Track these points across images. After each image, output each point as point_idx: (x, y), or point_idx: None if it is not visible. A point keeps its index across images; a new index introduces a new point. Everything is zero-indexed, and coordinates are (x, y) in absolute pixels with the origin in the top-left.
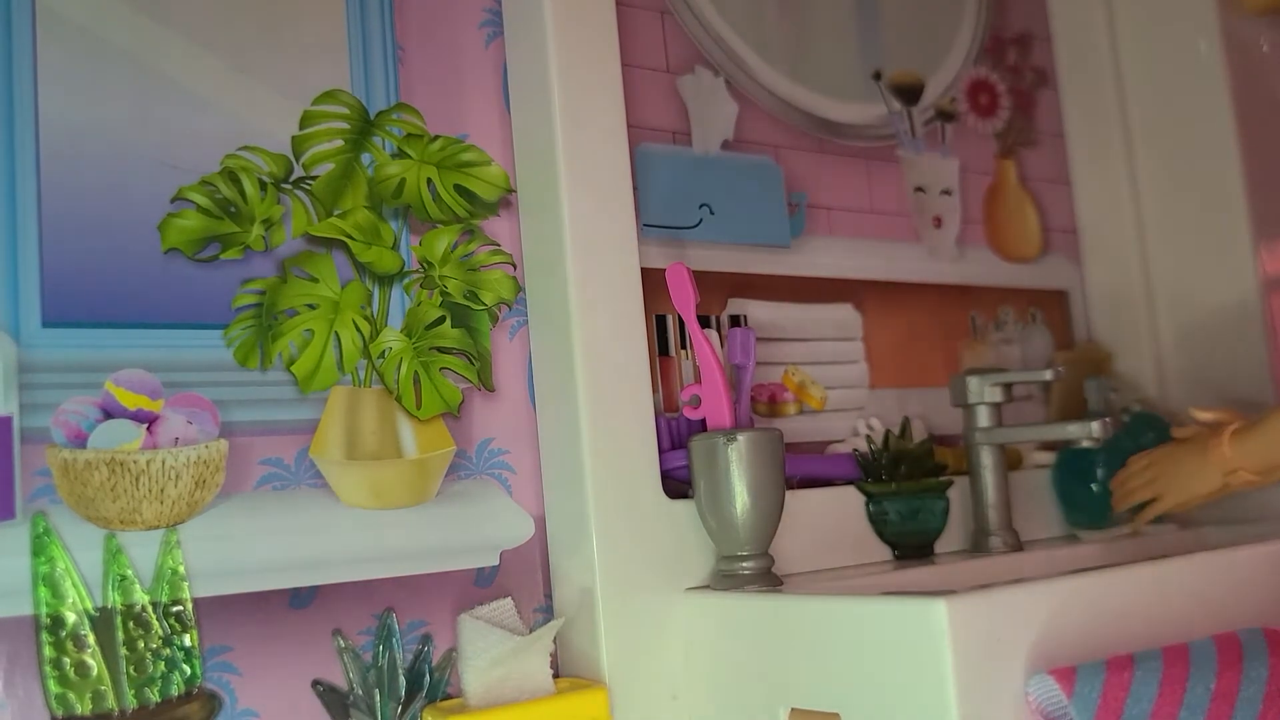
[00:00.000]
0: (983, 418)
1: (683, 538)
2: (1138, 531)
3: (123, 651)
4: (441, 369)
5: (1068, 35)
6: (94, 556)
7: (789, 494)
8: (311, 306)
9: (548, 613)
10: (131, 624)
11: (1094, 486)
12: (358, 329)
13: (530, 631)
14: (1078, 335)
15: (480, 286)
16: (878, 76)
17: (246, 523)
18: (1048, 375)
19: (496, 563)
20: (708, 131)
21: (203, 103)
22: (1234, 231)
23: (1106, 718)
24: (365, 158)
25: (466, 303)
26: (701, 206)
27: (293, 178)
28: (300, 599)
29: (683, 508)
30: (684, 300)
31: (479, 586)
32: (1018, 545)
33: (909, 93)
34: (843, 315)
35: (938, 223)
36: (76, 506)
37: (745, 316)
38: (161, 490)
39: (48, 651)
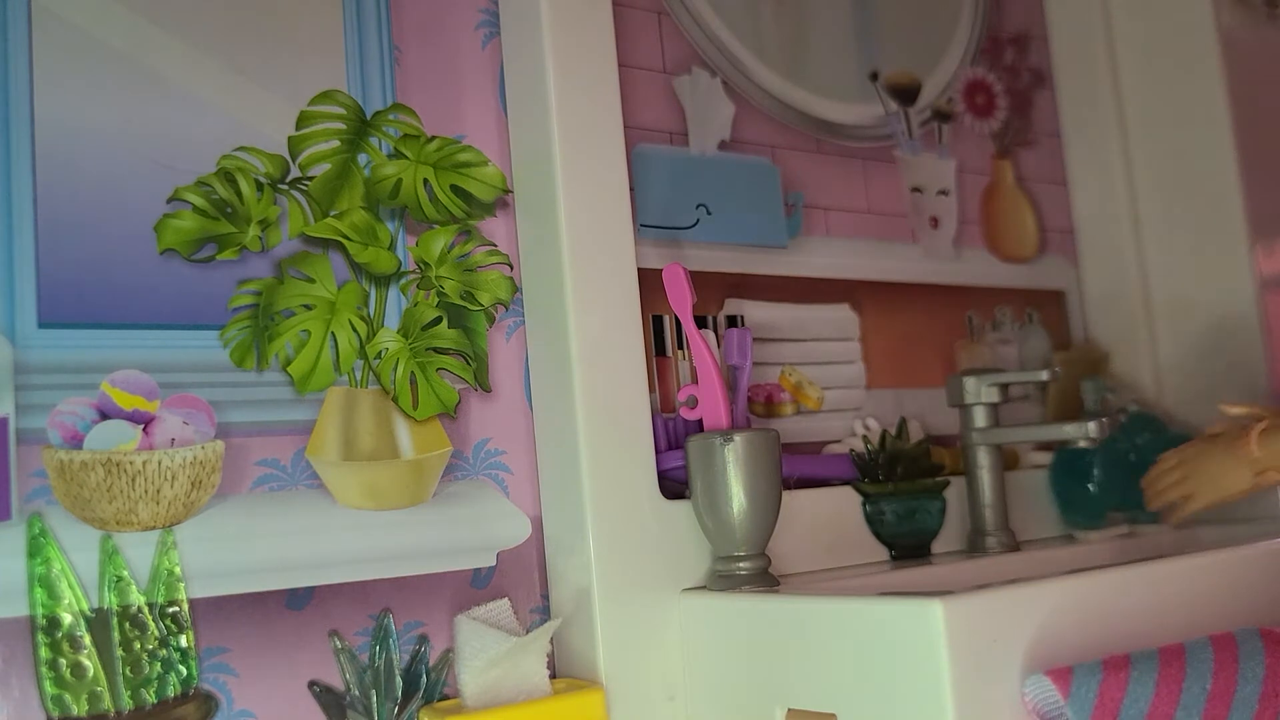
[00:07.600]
0: (979, 418)
1: (679, 538)
2: (1175, 523)
3: (119, 652)
4: (438, 369)
5: (1064, 35)
6: (90, 557)
7: (786, 494)
8: (308, 307)
9: (544, 613)
10: (128, 625)
11: (1091, 487)
12: (354, 329)
13: (527, 632)
14: (1075, 335)
15: (477, 287)
16: (875, 77)
17: (243, 524)
18: (1044, 376)
19: (493, 563)
20: (704, 132)
21: (199, 103)
22: (1230, 231)
23: (1102, 718)
24: (362, 158)
25: (463, 303)
26: (698, 207)
27: (289, 178)
28: (297, 600)
29: (679, 508)
30: (681, 301)
31: (476, 587)
32: (1014, 546)
33: (906, 93)
34: (840, 315)
35: (934, 223)
36: (72, 508)
37: (742, 317)
38: (158, 491)
39: (44, 653)
